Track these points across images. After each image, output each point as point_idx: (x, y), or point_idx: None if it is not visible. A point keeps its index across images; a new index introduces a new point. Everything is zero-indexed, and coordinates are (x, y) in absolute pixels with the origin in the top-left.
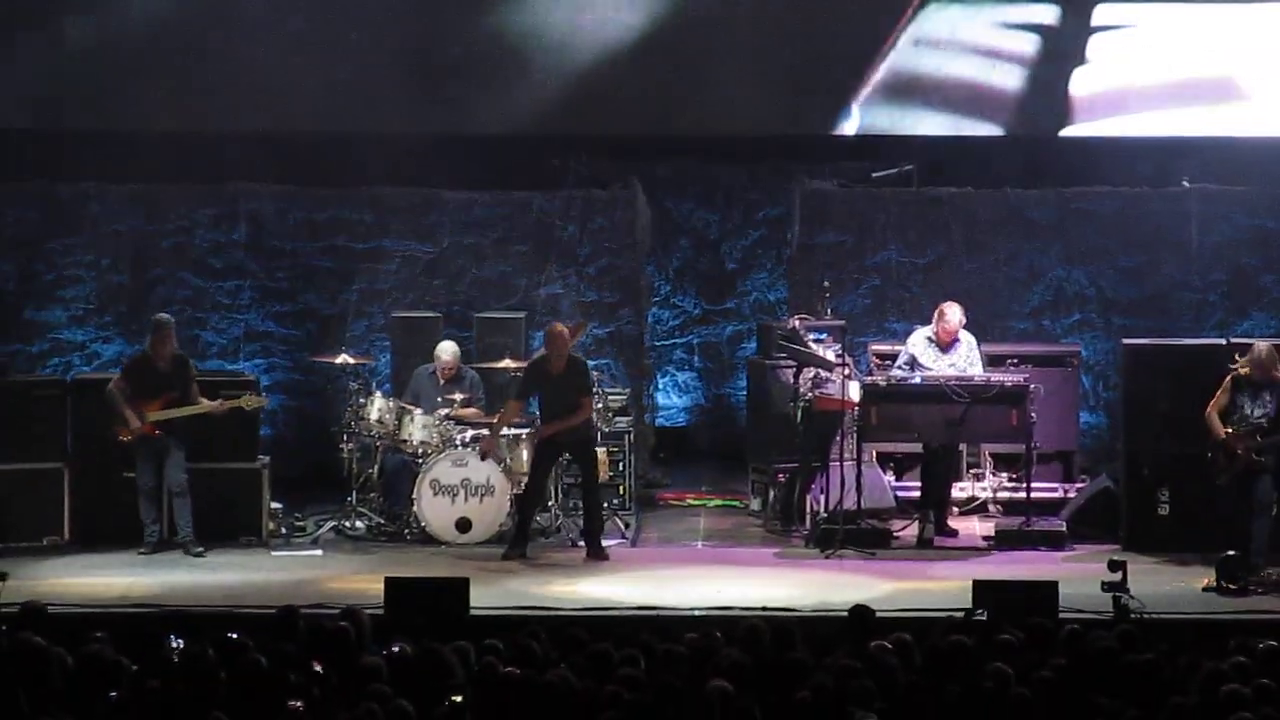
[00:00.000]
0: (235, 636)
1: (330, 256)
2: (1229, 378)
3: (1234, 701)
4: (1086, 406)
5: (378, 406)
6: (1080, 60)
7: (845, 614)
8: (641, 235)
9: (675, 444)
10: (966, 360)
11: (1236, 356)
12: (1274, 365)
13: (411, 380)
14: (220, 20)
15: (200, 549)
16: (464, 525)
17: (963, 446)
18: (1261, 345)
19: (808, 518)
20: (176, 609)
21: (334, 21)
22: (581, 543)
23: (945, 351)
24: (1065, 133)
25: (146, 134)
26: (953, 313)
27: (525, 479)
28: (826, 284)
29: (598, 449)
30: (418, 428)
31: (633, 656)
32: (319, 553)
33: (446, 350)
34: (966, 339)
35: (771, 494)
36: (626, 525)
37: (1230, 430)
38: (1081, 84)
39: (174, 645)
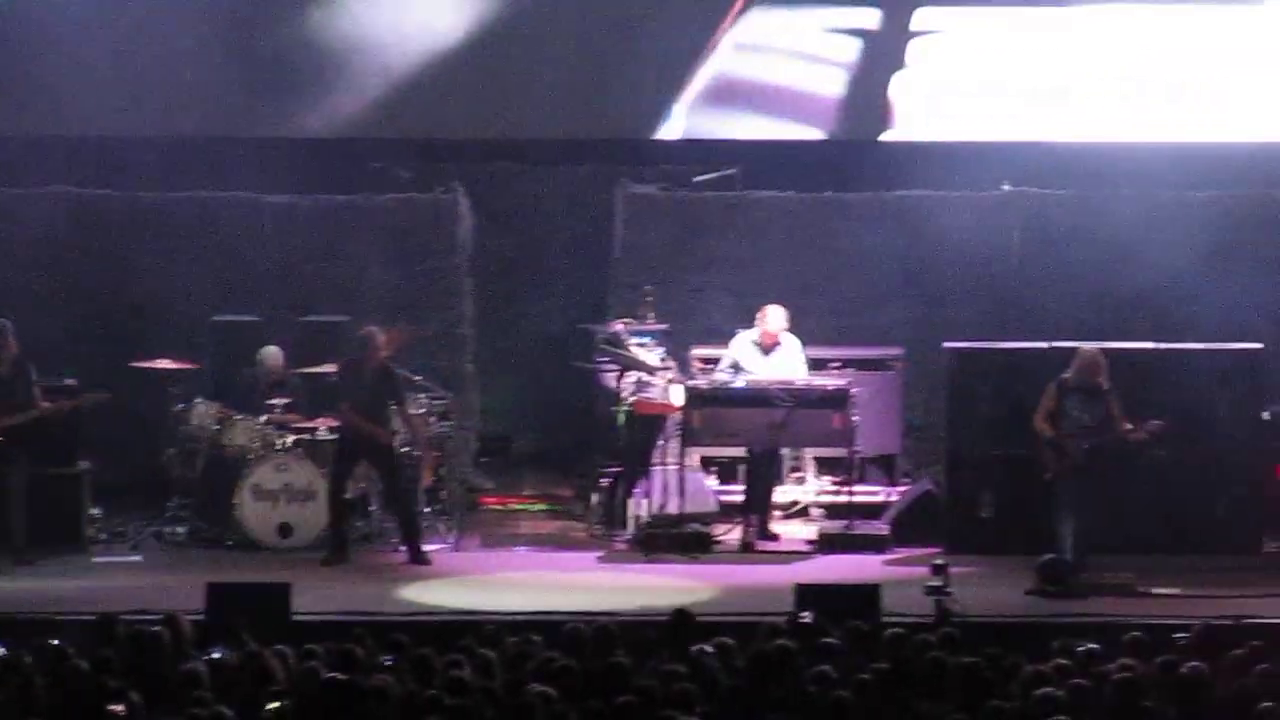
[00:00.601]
0: (54, 643)
1: (152, 259)
2: (1054, 384)
3: (1051, 705)
4: (909, 409)
5: (199, 411)
6: (899, 65)
7: (667, 618)
8: (464, 239)
9: (498, 448)
10: (789, 364)
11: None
12: (1100, 370)
13: (237, 384)
14: (40, 24)
15: (34, 559)
16: (286, 530)
17: (785, 450)
18: (1088, 350)
19: (631, 522)
20: None
21: (158, 25)
22: (404, 547)
23: (768, 355)
24: (885, 137)
25: None
26: (774, 316)
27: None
28: (649, 288)
29: (404, 454)
30: (240, 432)
31: (455, 661)
32: (139, 559)
33: (270, 355)
34: (790, 342)
35: (595, 498)
36: (449, 530)
37: (1059, 433)
38: (901, 88)
39: None
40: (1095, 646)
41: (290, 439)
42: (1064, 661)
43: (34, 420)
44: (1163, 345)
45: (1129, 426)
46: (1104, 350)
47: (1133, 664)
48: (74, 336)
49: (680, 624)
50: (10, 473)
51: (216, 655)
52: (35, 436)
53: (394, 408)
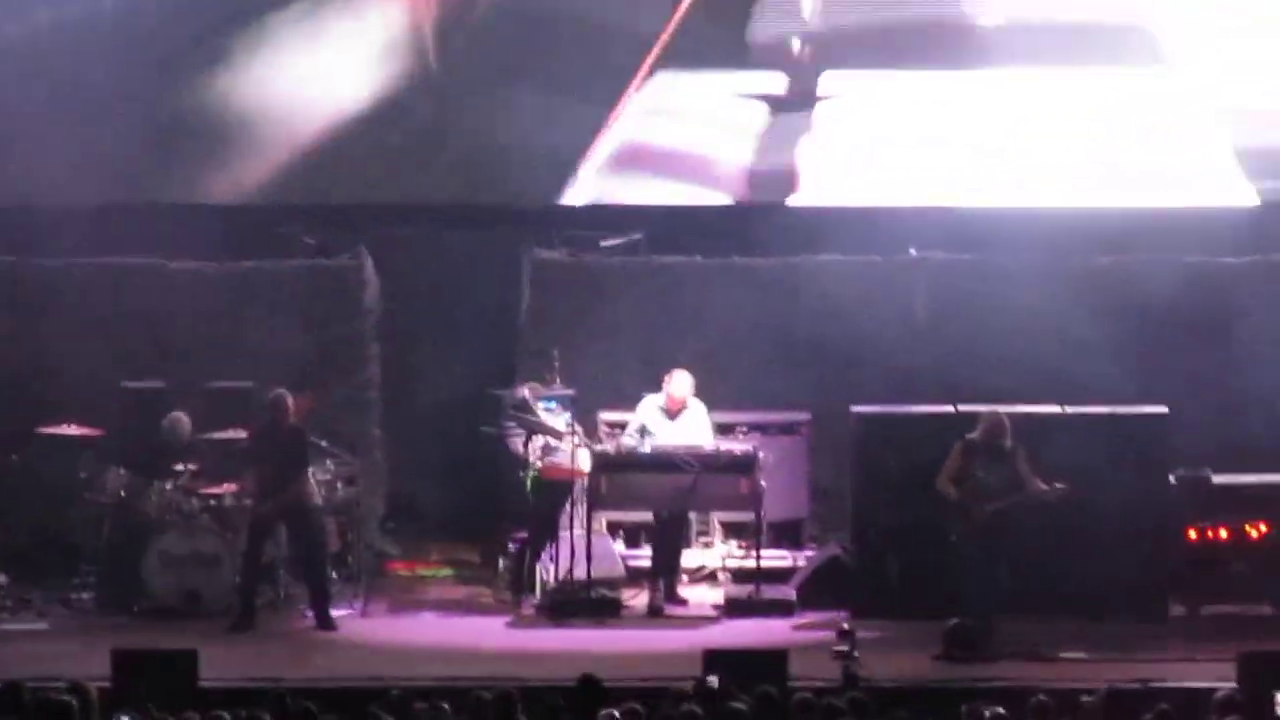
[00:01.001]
0: None
1: (58, 325)
2: (960, 444)
3: None
4: (816, 473)
5: (113, 477)
6: (806, 129)
7: (574, 684)
8: (370, 304)
9: (405, 513)
10: (696, 428)
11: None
12: (1004, 432)
13: (143, 450)
14: None
15: None
16: (193, 598)
17: (693, 515)
18: (992, 412)
19: (539, 587)
20: None
21: (62, 91)
22: (310, 612)
23: (674, 419)
24: (792, 201)
25: None
26: (678, 380)
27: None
28: (556, 352)
29: (318, 518)
30: (148, 499)
31: None
32: (45, 625)
33: (176, 421)
34: (696, 406)
35: (502, 563)
36: (356, 595)
37: (964, 493)
38: (808, 153)
39: None
40: (1001, 711)
41: (196, 505)
42: None
43: None
44: (1069, 409)
45: (1042, 486)
46: (1009, 414)
47: None
48: None
49: (587, 690)
50: None
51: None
52: None
53: (299, 471)
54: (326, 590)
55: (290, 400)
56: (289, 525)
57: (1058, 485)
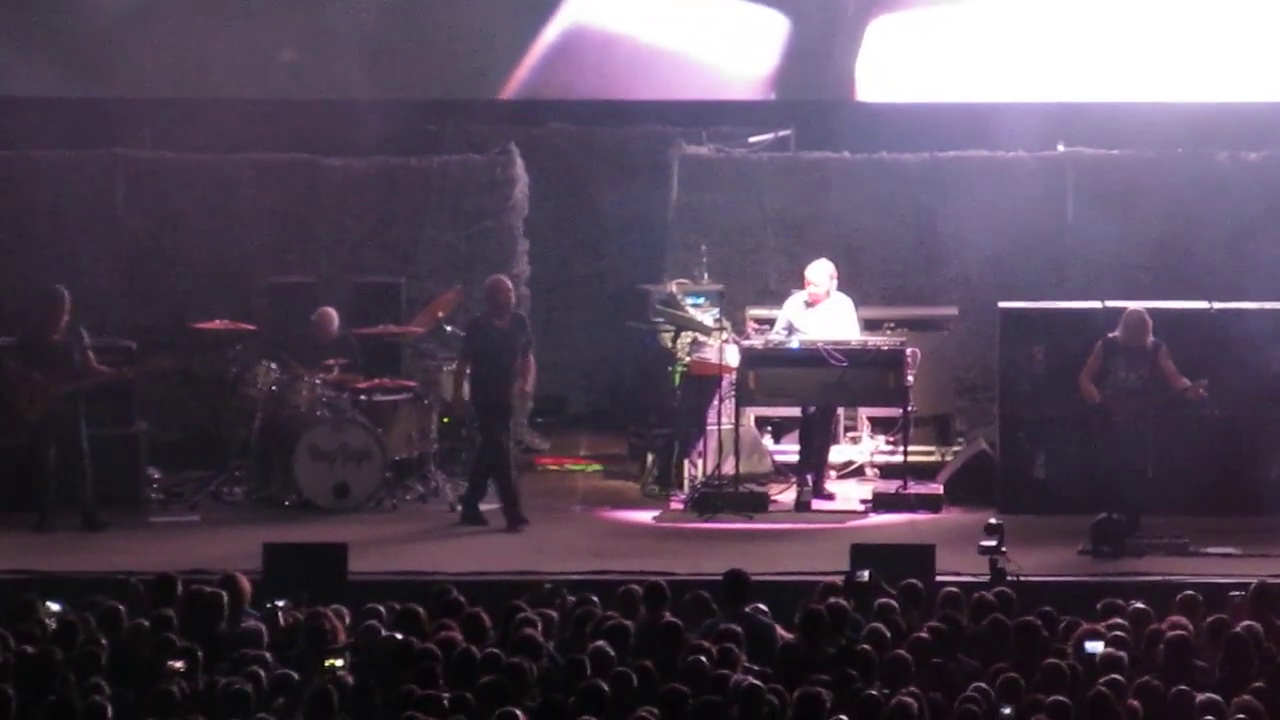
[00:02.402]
0: (114, 603)
1: (208, 221)
2: (1101, 342)
3: (1104, 663)
4: (963, 369)
5: (263, 372)
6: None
7: (721, 577)
8: (519, 200)
9: (553, 408)
10: (840, 321)
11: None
12: (1145, 329)
13: (292, 345)
14: None
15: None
16: (342, 490)
17: (840, 410)
18: (1133, 310)
19: (686, 482)
20: (54, 575)
21: None
22: (460, 507)
23: (815, 309)
24: (938, 98)
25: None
26: (814, 273)
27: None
28: (704, 248)
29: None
30: (298, 392)
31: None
32: (197, 519)
33: (326, 316)
34: (842, 300)
35: (650, 458)
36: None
37: (1105, 394)
38: (955, 50)
39: (51, 610)
40: (1144, 606)
41: (346, 399)
42: (1117, 620)
43: (95, 386)
44: (1217, 305)
45: (1186, 383)
46: (1151, 310)
47: (1185, 623)
48: (130, 297)
49: (733, 583)
50: (69, 439)
51: (280, 604)
52: (92, 399)
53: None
54: (515, 489)
55: (509, 283)
56: (497, 418)
57: (1201, 383)
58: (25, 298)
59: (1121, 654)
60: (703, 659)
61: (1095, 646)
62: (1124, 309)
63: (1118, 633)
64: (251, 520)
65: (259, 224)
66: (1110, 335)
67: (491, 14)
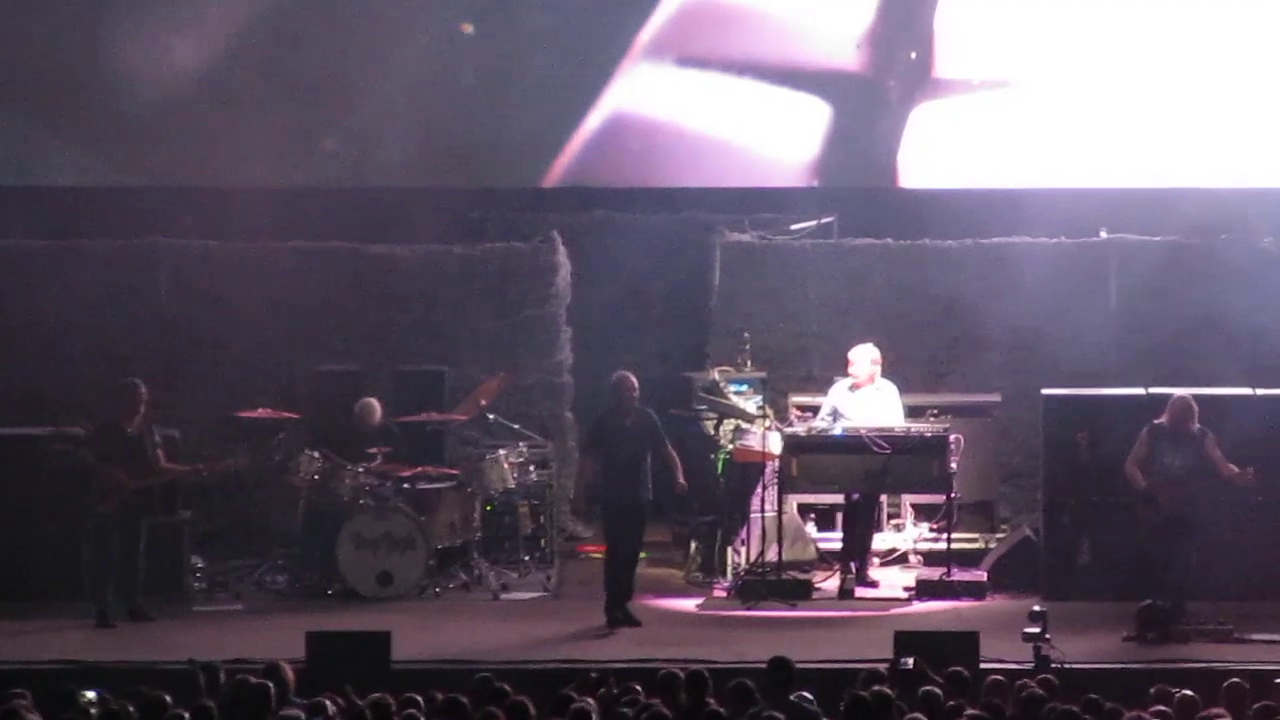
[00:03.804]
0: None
1: (252, 309)
2: (1147, 429)
3: None
4: (1006, 455)
5: (306, 460)
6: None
7: (765, 665)
8: (562, 288)
9: (596, 495)
10: (885, 407)
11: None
12: (1191, 415)
13: (336, 434)
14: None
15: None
16: (385, 579)
17: (884, 497)
18: (1180, 396)
19: (730, 569)
20: (97, 665)
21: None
22: (505, 595)
23: (860, 394)
24: (981, 184)
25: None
26: (857, 356)
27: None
28: (747, 335)
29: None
30: (341, 481)
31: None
32: (240, 607)
33: (369, 406)
34: (887, 387)
35: (694, 545)
36: (548, 577)
37: (1151, 480)
38: (997, 134)
39: (89, 699)
40: (1191, 694)
41: (390, 488)
42: (1163, 708)
43: (169, 482)
44: (1260, 391)
45: (1234, 470)
46: (1197, 396)
47: (1231, 711)
48: (173, 386)
49: (778, 671)
50: (133, 533)
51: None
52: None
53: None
54: (629, 588)
55: (631, 385)
56: (633, 520)
57: (1249, 469)
58: (68, 387)
59: None
60: None
61: None
62: (1167, 395)
63: None
64: (295, 609)
65: (302, 312)
66: (1156, 421)
67: (535, 102)
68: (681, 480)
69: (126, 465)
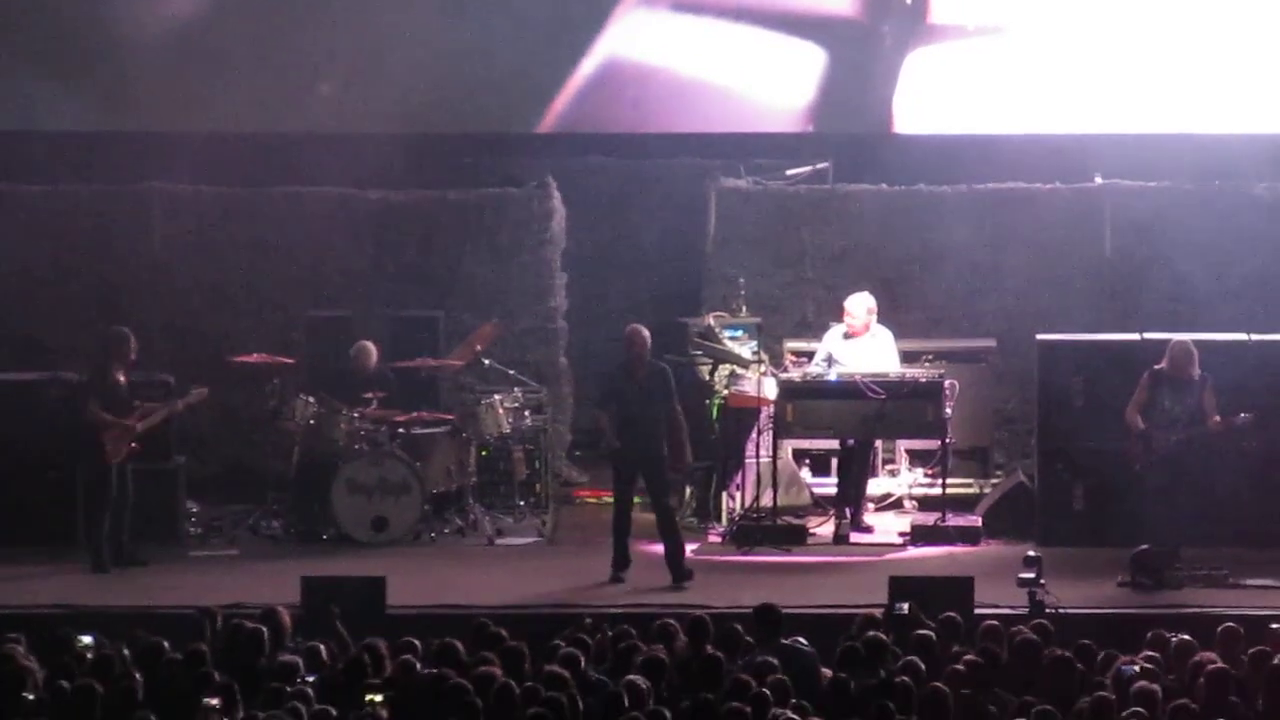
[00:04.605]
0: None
1: (245, 254)
2: (1147, 374)
3: (1144, 697)
4: (1001, 401)
5: (301, 405)
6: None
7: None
8: (557, 233)
9: (590, 440)
10: (881, 353)
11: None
12: (1191, 361)
13: (330, 379)
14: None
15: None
16: (380, 524)
17: (879, 442)
18: (1179, 341)
19: (725, 514)
20: (92, 609)
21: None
22: (500, 540)
23: (856, 341)
24: (976, 130)
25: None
26: (853, 306)
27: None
28: (742, 281)
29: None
30: (336, 426)
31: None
32: (235, 552)
33: (363, 350)
34: (881, 332)
35: (689, 490)
36: (543, 523)
37: (1148, 424)
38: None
39: (85, 644)
40: (1188, 638)
41: (384, 433)
42: (1154, 653)
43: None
44: (1255, 336)
45: (1217, 419)
46: (1197, 341)
47: (1225, 655)
48: (167, 331)
49: (766, 617)
50: (125, 476)
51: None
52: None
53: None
54: (678, 539)
55: (644, 333)
56: (648, 473)
57: (1243, 415)
58: (62, 332)
59: (1155, 687)
60: (746, 694)
61: (1130, 669)
62: (1162, 340)
63: (1149, 665)
64: (289, 554)
65: (296, 258)
66: (1156, 367)
67: (529, 47)
68: (683, 458)
69: (121, 415)
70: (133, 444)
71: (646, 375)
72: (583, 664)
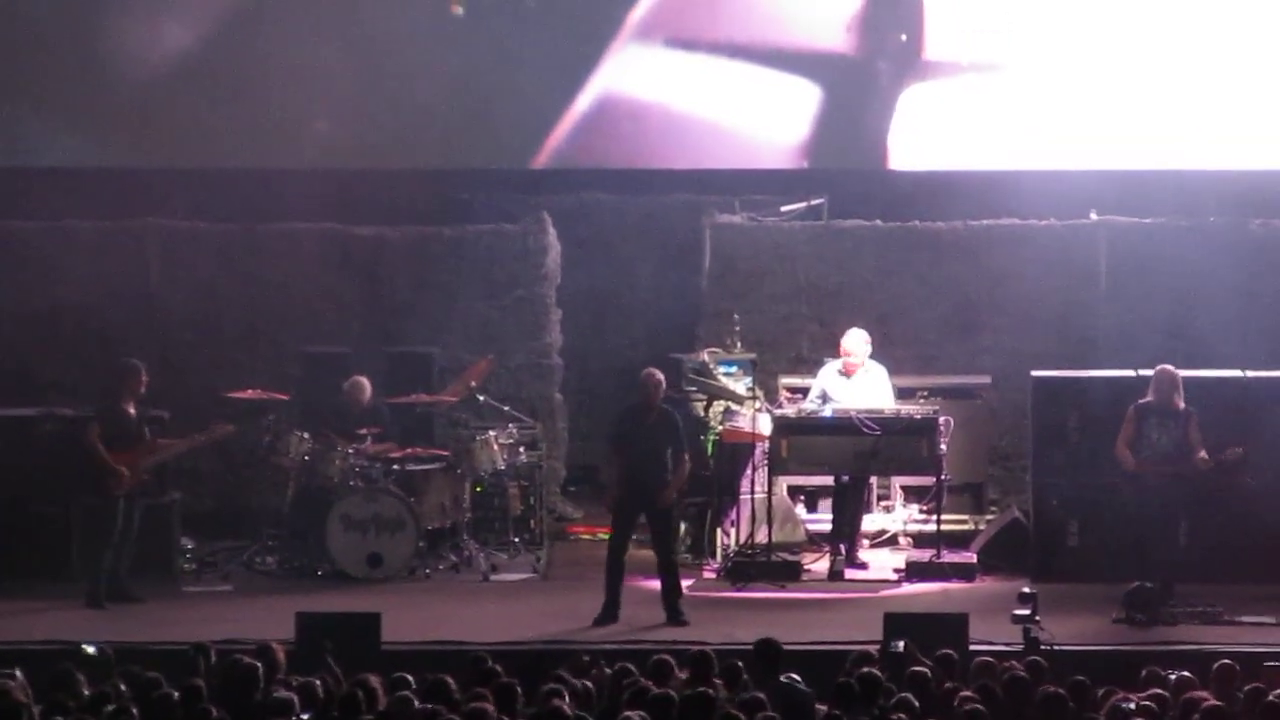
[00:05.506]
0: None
1: (241, 290)
2: (1132, 408)
3: None
4: (996, 437)
5: (295, 441)
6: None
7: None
8: (552, 269)
9: (585, 477)
10: (875, 390)
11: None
12: (1176, 388)
13: (325, 414)
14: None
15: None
16: (375, 560)
17: (873, 479)
18: (1163, 369)
19: (719, 551)
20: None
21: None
22: (495, 576)
23: (851, 379)
24: (972, 166)
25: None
26: (851, 338)
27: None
28: (736, 316)
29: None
30: (334, 463)
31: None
32: (229, 588)
33: (358, 386)
34: (876, 369)
35: (683, 527)
36: (538, 559)
37: (1140, 459)
38: (989, 118)
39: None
40: (1187, 675)
41: (379, 469)
42: (1153, 690)
43: (173, 458)
44: (1249, 373)
45: (1204, 456)
46: (1187, 378)
47: (1221, 693)
48: (162, 366)
49: (765, 652)
50: (133, 511)
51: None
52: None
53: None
54: (677, 584)
55: (655, 377)
56: (653, 517)
57: (1234, 450)
58: (57, 368)
59: None
60: None
61: (1127, 706)
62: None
63: (1149, 702)
64: (284, 590)
65: (291, 293)
66: (1142, 400)
67: (524, 84)
68: (670, 493)
69: (131, 446)
70: (144, 475)
71: (656, 419)
72: (579, 703)
